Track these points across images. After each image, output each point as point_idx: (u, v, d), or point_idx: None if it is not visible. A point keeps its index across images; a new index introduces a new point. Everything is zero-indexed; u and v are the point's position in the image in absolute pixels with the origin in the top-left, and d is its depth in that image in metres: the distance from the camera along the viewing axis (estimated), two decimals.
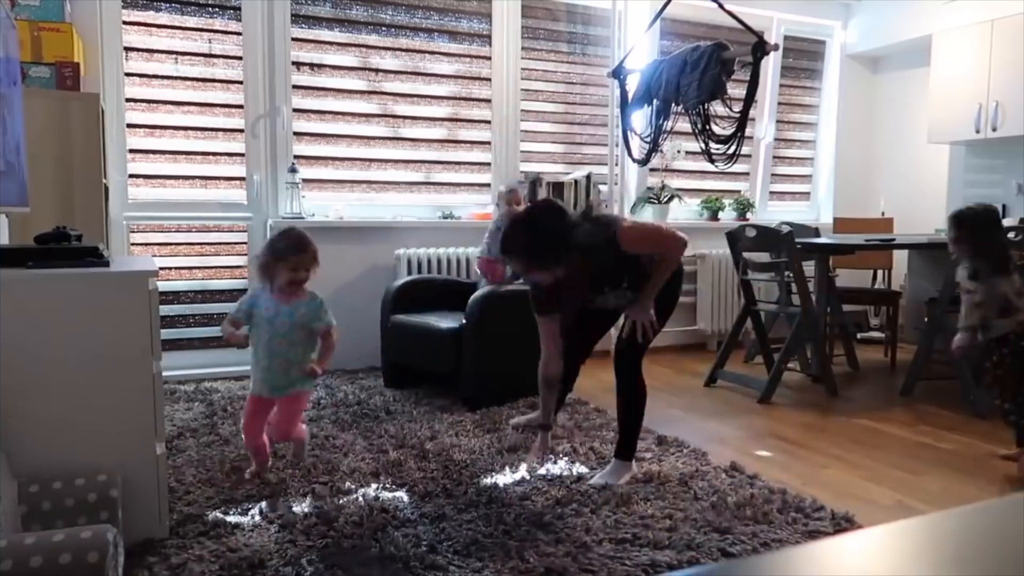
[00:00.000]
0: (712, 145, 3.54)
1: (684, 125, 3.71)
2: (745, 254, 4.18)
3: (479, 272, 3.98)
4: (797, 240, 3.94)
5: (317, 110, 4.36)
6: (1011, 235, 3.65)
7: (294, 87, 4.27)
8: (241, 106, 4.18)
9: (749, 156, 5.51)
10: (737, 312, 4.42)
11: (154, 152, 4.06)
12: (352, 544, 2.11)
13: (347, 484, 2.55)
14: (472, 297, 3.57)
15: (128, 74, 3.94)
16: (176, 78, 4.05)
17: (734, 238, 4.16)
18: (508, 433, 3.10)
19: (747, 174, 5.60)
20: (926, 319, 3.99)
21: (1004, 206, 4.95)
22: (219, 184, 4.21)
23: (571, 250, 2.38)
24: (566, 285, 2.52)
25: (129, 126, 3.96)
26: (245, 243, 4.27)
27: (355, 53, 4.42)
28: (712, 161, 3.57)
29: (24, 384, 1.90)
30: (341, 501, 2.41)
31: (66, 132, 3.10)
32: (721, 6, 3.50)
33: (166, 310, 3.92)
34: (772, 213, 5.61)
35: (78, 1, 3.62)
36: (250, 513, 2.32)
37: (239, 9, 4.13)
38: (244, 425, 2.64)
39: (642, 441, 2.85)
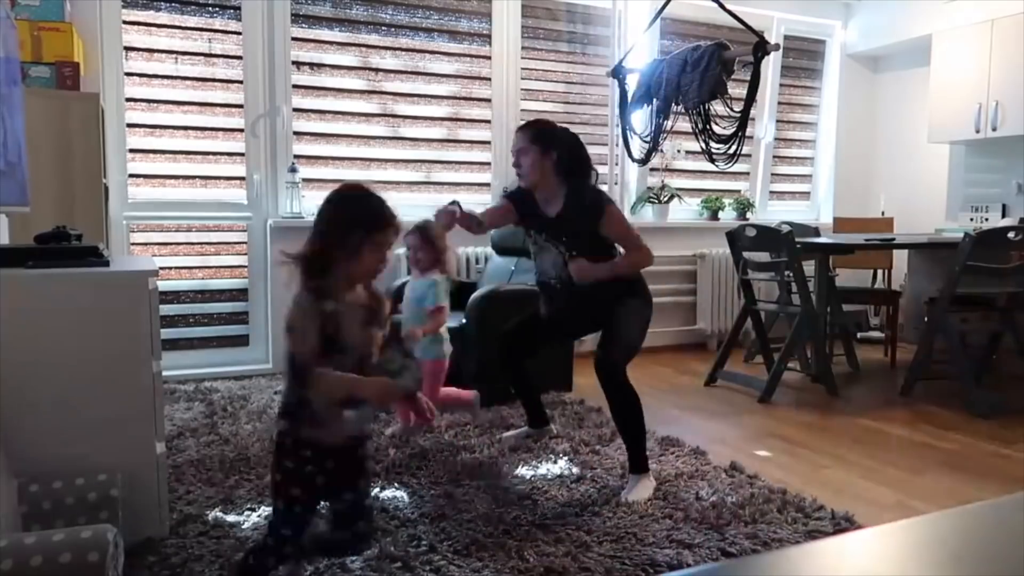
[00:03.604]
0: (712, 145, 3.54)
1: (684, 125, 3.71)
2: (745, 254, 4.18)
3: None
4: (797, 240, 3.93)
5: (317, 110, 4.36)
6: (1011, 235, 3.65)
7: (294, 87, 4.27)
8: (241, 106, 4.18)
9: (749, 156, 5.51)
10: (737, 312, 4.42)
11: (154, 152, 4.06)
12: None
13: None
14: (472, 297, 3.57)
15: (128, 74, 3.94)
16: (176, 78, 4.05)
17: (734, 238, 4.16)
18: (508, 434, 3.11)
19: (747, 174, 5.60)
20: (926, 319, 3.99)
21: (1004, 206, 4.95)
22: (219, 184, 4.21)
23: (573, 162, 2.65)
24: (533, 214, 2.73)
25: (129, 126, 3.96)
26: (245, 243, 4.26)
27: (355, 53, 4.41)
28: (712, 161, 3.57)
29: (24, 384, 1.90)
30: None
31: (66, 132, 3.10)
32: (721, 6, 3.50)
33: (166, 310, 3.91)
34: (772, 213, 5.61)
35: (78, 1, 3.62)
36: (250, 513, 2.32)
37: (239, 9, 4.12)
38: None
39: None
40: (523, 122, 2.85)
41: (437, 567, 1.99)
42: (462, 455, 2.85)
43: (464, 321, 3.53)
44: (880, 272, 5.26)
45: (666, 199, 5.16)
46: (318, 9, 4.30)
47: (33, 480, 1.82)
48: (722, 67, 3.35)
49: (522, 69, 4.80)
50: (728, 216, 5.42)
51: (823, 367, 4.07)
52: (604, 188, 4.86)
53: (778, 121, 5.65)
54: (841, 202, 5.79)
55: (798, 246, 3.91)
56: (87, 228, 2.61)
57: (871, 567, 0.71)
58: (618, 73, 4.05)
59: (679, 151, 5.12)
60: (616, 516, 2.32)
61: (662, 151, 4.50)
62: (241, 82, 4.17)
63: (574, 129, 2.81)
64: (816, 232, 4.71)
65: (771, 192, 5.74)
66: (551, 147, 2.65)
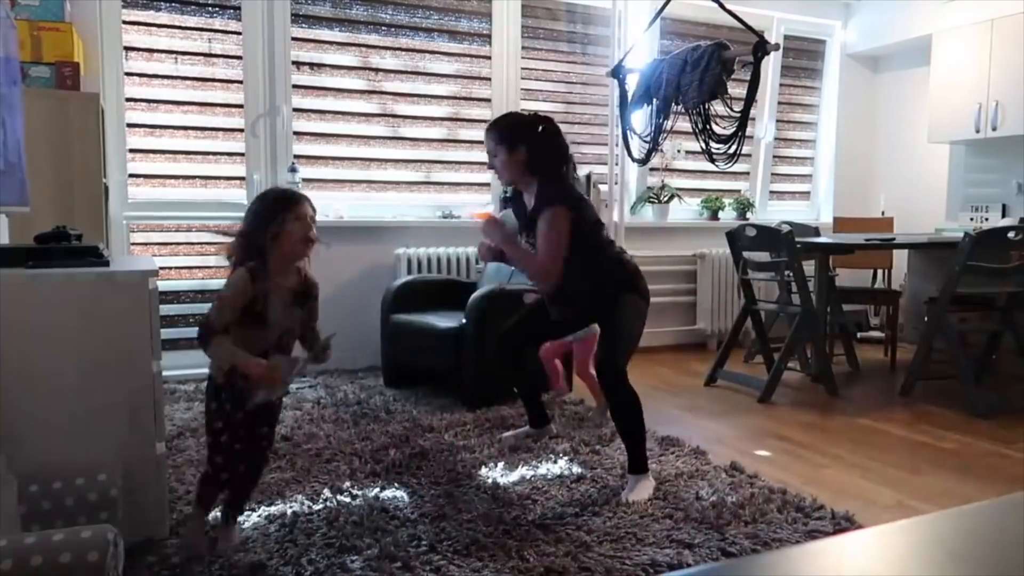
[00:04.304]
0: (713, 144, 3.53)
1: (684, 124, 3.71)
2: (745, 253, 4.18)
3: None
4: (797, 239, 3.93)
5: (317, 110, 4.36)
6: (1011, 235, 3.65)
7: (294, 87, 4.27)
8: (241, 106, 4.18)
9: (749, 156, 5.51)
10: (737, 312, 4.42)
11: (154, 152, 4.06)
12: (352, 544, 2.11)
13: (347, 484, 2.55)
14: (472, 297, 3.57)
15: (128, 74, 3.94)
16: (176, 77, 4.05)
17: (734, 237, 4.16)
18: (507, 434, 3.11)
19: (747, 174, 5.60)
20: (926, 319, 3.99)
21: (1004, 206, 4.95)
22: (219, 184, 4.21)
23: (541, 156, 2.64)
24: (522, 212, 2.76)
25: (129, 126, 3.96)
26: None
27: (355, 53, 4.41)
28: (713, 160, 3.57)
29: (24, 384, 1.90)
30: (341, 501, 2.41)
31: (66, 132, 3.10)
32: (722, 5, 3.50)
33: (166, 310, 3.91)
34: (772, 212, 5.61)
35: (78, 1, 3.62)
36: (250, 513, 2.32)
37: (239, 9, 4.12)
38: None
39: None
40: (490, 121, 2.83)
41: (437, 567, 1.99)
42: (462, 455, 2.85)
43: (464, 321, 3.53)
44: (880, 272, 5.26)
45: (666, 199, 5.16)
46: (318, 9, 4.30)
47: (33, 480, 1.82)
48: (722, 67, 3.35)
49: (522, 69, 4.80)
50: (728, 216, 5.42)
51: (823, 367, 4.07)
52: (603, 187, 4.90)
53: (778, 121, 5.65)
54: (841, 202, 5.79)
55: (798, 246, 3.91)
56: (87, 228, 2.61)
57: (871, 567, 0.71)
58: (618, 73, 4.05)
59: (679, 151, 5.12)
60: (616, 516, 2.32)
61: (662, 151, 4.50)
62: (241, 82, 4.16)
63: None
64: (816, 232, 4.71)
65: (771, 192, 5.74)
66: (518, 143, 2.64)
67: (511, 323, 2.97)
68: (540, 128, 2.68)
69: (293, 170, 4.20)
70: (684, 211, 5.35)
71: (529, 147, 2.64)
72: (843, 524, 2.31)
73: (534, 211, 2.65)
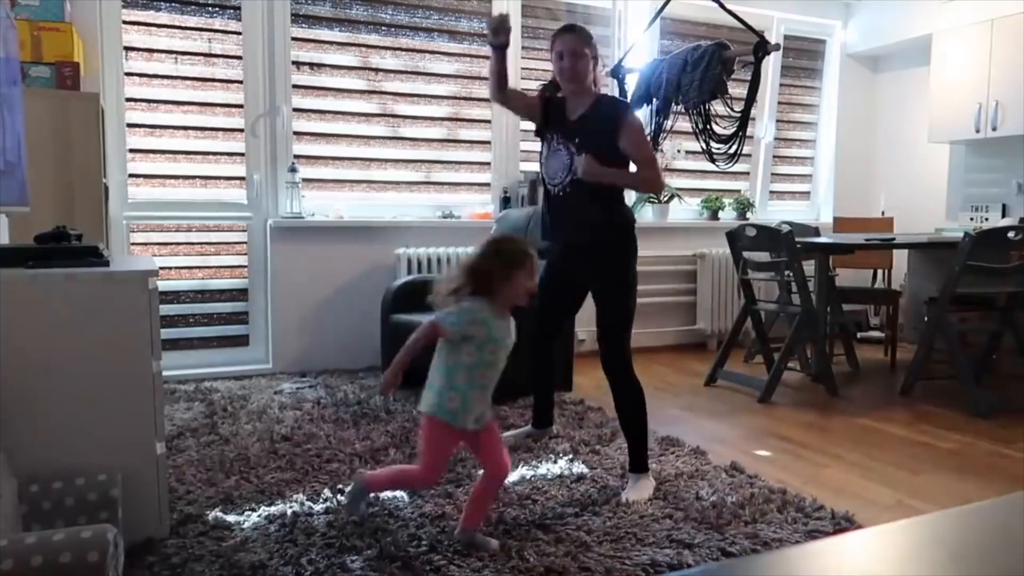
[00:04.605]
0: (713, 144, 3.53)
1: (684, 124, 3.71)
2: (745, 253, 4.18)
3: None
4: (797, 239, 3.93)
5: (317, 110, 4.36)
6: (1011, 235, 3.65)
7: (294, 87, 4.27)
8: (241, 106, 4.18)
9: (749, 156, 5.51)
10: (737, 311, 4.42)
11: (154, 152, 4.06)
12: (352, 544, 2.11)
13: (347, 484, 2.55)
14: None
15: (128, 74, 3.94)
16: (176, 77, 4.05)
17: (734, 237, 4.16)
18: (507, 434, 3.10)
19: (747, 173, 5.60)
20: (926, 319, 3.99)
21: (1004, 206, 4.95)
22: (219, 184, 4.21)
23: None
24: (557, 118, 2.75)
25: (129, 126, 3.96)
26: (245, 243, 4.27)
27: (355, 52, 4.41)
28: (713, 160, 3.57)
29: (24, 384, 1.90)
30: (341, 501, 2.41)
31: (66, 132, 3.10)
32: (722, 5, 3.50)
33: (166, 310, 3.92)
34: (772, 212, 5.61)
35: (78, 1, 3.62)
36: (250, 513, 2.32)
37: (239, 9, 4.12)
38: (439, 463, 2.16)
39: None
40: (566, 24, 2.89)
41: (437, 567, 1.99)
42: (462, 455, 2.85)
43: None
44: (880, 272, 5.26)
45: (666, 199, 5.16)
46: (318, 9, 4.30)
47: (33, 480, 1.83)
48: (722, 67, 3.35)
49: (522, 69, 4.80)
50: (728, 216, 5.42)
51: (823, 367, 4.07)
52: None
53: (778, 121, 5.65)
54: (841, 202, 5.79)
55: (798, 246, 3.91)
56: (87, 228, 2.61)
57: (871, 567, 0.71)
58: (618, 73, 4.05)
59: (679, 151, 5.12)
60: (616, 516, 2.32)
61: (662, 151, 4.50)
62: (241, 82, 4.16)
63: None
64: (816, 232, 4.71)
65: (771, 192, 5.74)
66: (598, 54, 2.74)
67: (533, 324, 2.94)
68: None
69: (293, 170, 4.21)
70: (684, 211, 5.36)
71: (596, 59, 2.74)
72: (843, 524, 2.31)
73: (586, 115, 2.68)
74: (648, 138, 2.70)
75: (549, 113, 2.82)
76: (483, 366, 2.07)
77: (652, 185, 2.80)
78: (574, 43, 2.69)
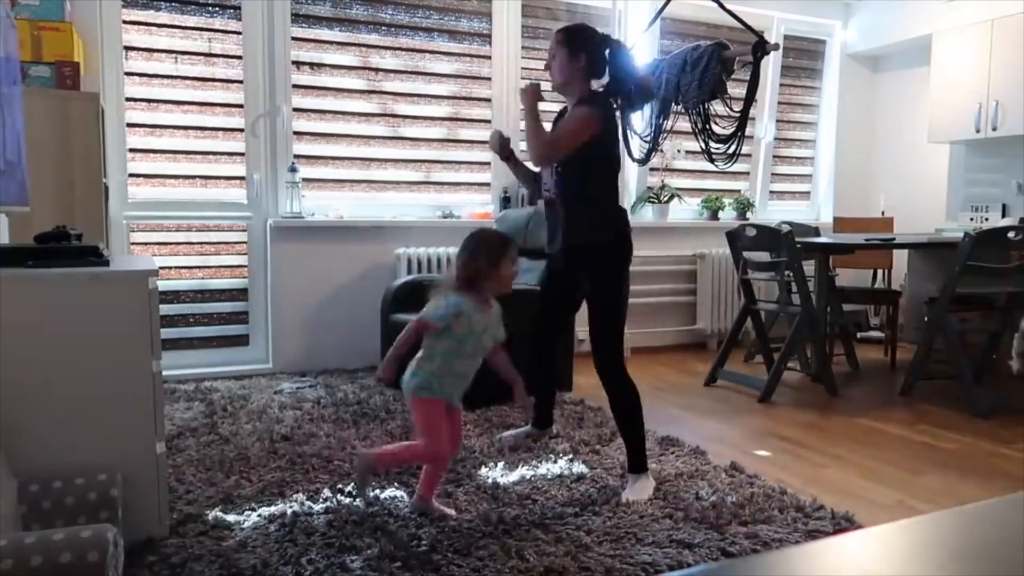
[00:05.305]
0: (712, 144, 3.53)
1: (684, 124, 3.71)
2: (745, 253, 4.18)
3: None
4: (797, 239, 3.93)
5: (317, 109, 4.36)
6: (1011, 235, 3.65)
7: (294, 86, 4.27)
8: (241, 105, 4.18)
9: (749, 155, 5.51)
10: (737, 311, 4.42)
11: (154, 151, 4.06)
12: (352, 544, 2.11)
13: (347, 484, 2.55)
14: None
15: (128, 73, 3.94)
16: (176, 77, 4.05)
17: (734, 237, 4.16)
18: (507, 434, 3.11)
19: (747, 173, 5.60)
20: (926, 319, 3.99)
21: (1004, 206, 4.95)
22: (219, 183, 4.21)
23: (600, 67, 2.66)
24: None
25: (129, 125, 3.96)
26: (245, 243, 4.27)
27: (355, 52, 4.41)
28: (712, 160, 3.57)
29: (24, 383, 1.90)
30: (341, 501, 2.41)
31: (66, 132, 3.10)
32: (721, 5, 3.50)
33: (166, 309, 3.92)
34: (772, 212, 5.61)
35: (78, 1, 3.62)
36: (250, 513, 2.32)
37: (239, 8, 4.12)
38: (438, 434, 2.25)
39: None
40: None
41: (437, 567, 1.99)
42: (462, 455, 2.85)
43: None
44: (880, 272, 5.26)
45: (666, 199, 5.16)
46: (318, 9, 4.30)
47: (33, 480, 1.83)
48: (722, 67, 3.35)
49: (522, 69, 4.80)
50: (728, 216, 5.42)
51: (823, 367, 4.07)
52: None
53: (778, 121, 5.65)
54: (841, 202, 5.79)
55: (798, 246, 3.91)
56: (87, 228, 2.61)
57: (871, 567, 0.71)
58: None
59: (679, 151, 5.12)
60: (616, 516, 2.32)
61: (662, 151, 4.50)
62: (241, 82, 4.16)
63: None
64: (816, 232, 4.71)
65: (771, 192, 5.74)
66: (581, 51, 2.63)
67: (535, 322, 2.99)
68: (607, 49, 2.67)
69: (293, 170, 4.21)
70: (684, 211, 5.36)
71: (592, 56, 2.65)
72: (843, 524, 2.31)
73: (562, 121, 2.69)
74: (596, 129, 2.55)
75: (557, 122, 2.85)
76: (463, 356, 2.26)
77: (535, 147, 2.60)
78: (551, 43, 2.71)
